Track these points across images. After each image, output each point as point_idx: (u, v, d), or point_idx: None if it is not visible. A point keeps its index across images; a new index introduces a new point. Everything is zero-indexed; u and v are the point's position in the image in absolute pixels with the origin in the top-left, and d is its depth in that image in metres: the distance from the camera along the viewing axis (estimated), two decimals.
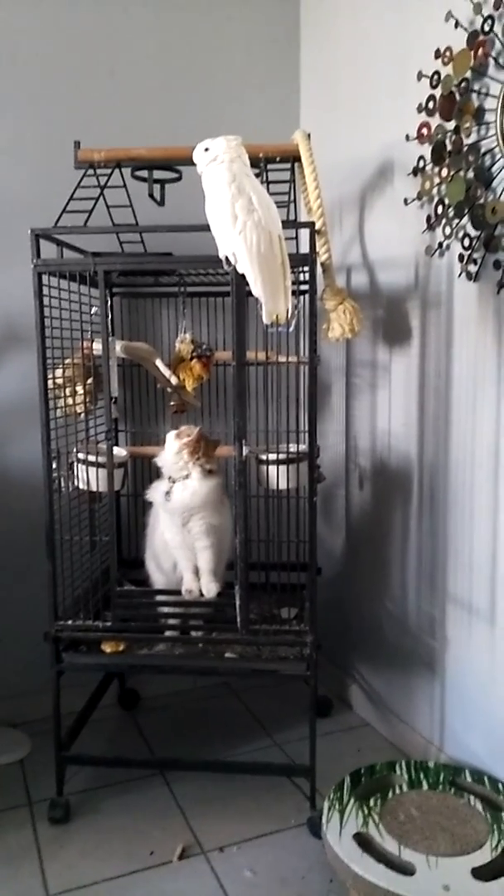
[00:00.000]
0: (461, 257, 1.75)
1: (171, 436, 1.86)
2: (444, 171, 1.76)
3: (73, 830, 1.81)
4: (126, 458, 2.01)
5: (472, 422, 1.79)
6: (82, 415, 1.88)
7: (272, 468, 1.87)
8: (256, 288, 1.50)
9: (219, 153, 1.51)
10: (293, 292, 1.56)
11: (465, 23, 1.66)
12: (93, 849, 1.75)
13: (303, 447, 1.84)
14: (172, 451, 1.84)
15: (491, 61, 1.61)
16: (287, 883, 1.64)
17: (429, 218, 1.86)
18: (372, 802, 1.62)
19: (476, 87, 1.66)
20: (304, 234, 1.75)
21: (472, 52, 1.63)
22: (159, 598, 1.97)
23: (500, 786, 1.68)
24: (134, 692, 2.41)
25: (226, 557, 1.92)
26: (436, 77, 1.76)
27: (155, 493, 1.90)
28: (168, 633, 1.91)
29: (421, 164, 1.86)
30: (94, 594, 1.89)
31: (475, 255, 1.71)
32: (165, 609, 1.95)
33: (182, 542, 1.88)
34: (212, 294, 2.21)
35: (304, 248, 1.72)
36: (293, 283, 1.57)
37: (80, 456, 1.86)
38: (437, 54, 1.73)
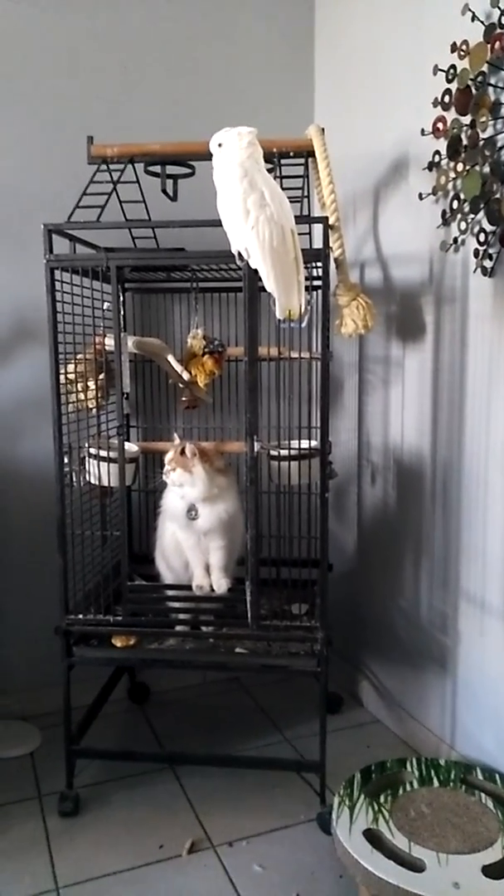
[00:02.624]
0: (476, 253, 1.74)
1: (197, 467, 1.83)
2: (460, 166, 1.75)
3: (83, 824, 1.82)
4: (138, 453, 2.01)
5: (487, 418, 1.78)
6: (94, 410, 1.88)
7: (284, 464, 1.87)
8: (269, 283, 1.50)
9: (231, 147, 1.50)
10: (306, 288, 1.56)
11: (481, 16, 1.64)
12: (102, 842, 1.75)
13: (315, 443, 1.84)
14: (202, 481, 1.81)
15: None
16: (296, 879, 1.64)
17: (444, 213, 1.85)
18: (382, 799, 1.61)
19: (492, 80, 1.64)
20: (318, 229, 1.74)
21: (489, 46, 1.61)
22: (170, 593, 1.97)
23: None
24: (144, 686, 2.41)
25: (237, 554, 1.92)
26: (452, 71, 1.74)
27: (171, 504, 1.89)
28: (179, 628, 1.91)
29: (436, 158, 1.84)
30: (105, 589, 1.89)
31: (490, 251, 1.70)
32: (176, 604, 1.96)
33: (196, 543, 1.88)
34: (224, 289, 2.21)
35: (318, 244, 1.71)
36: (306, 279, 1.56)
37: (92, 451, 1.86)
38: (453, 48, 1.72)
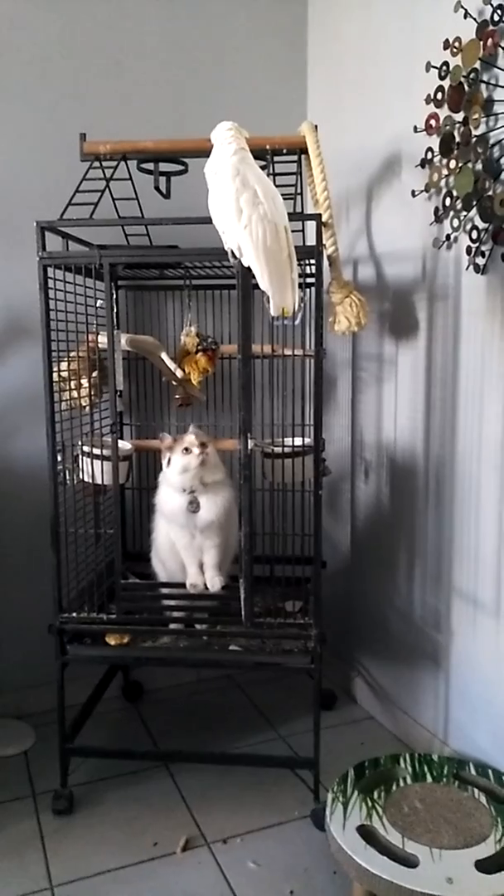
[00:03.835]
0: (469, 250, 1.74)
1: (177, 454, 1.82)
2: (453, 163, 1.75)
3: (77, 822, 1.82)
4: (131, 451, 2.01)
5: (479, 415, 1.78)
6: (87, 408, 1.87)
7: (277, 461, 1.87)
8: (263, 281, 1.49)
9: (221, 144, 1.49)
10: (299, 285, 1.56)
11: (474, 13, 1.64)
12: (96, 840, 1.75)
13: (308, 440, 1.84)
14: (191, 466, 1.80)
15: (500, 51, 1.60)
16: (291, 875, 1.64)
17: (436, 210, 1.85)
18: (376, 795, 1.62)
19: (485, 77, 1.64)
20: (311, 226, 1.74)
21: (482, 43, 1.62)
22: (164, 591, 1.97)
23: None
24: (138, 684, 2.41)
25: (232, 552, 1.92)
26: (444, 68, 1.75)
27: (168, 502, 1.86)
28: (172, 626, 1.91)
29: (429, 155, 1.85)
30: (99, 587, 1.89)
31: (483, 248, 1.70)
32: (170, 602, 1.96)
33: (190, 542, 1.88)
34: (217, 287, 2.20)
35: (311, 241, 1.71)
36: (299, 276, 1.56)
37: (85, 449, 1.86)
38: (446, 45, 1.72)
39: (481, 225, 1.69)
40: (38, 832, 1.79)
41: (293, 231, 1.54)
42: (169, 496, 1.86)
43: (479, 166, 1.67)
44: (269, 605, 1.86)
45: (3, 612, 2.25)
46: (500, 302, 1.69)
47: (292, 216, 1.56)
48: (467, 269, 1.76)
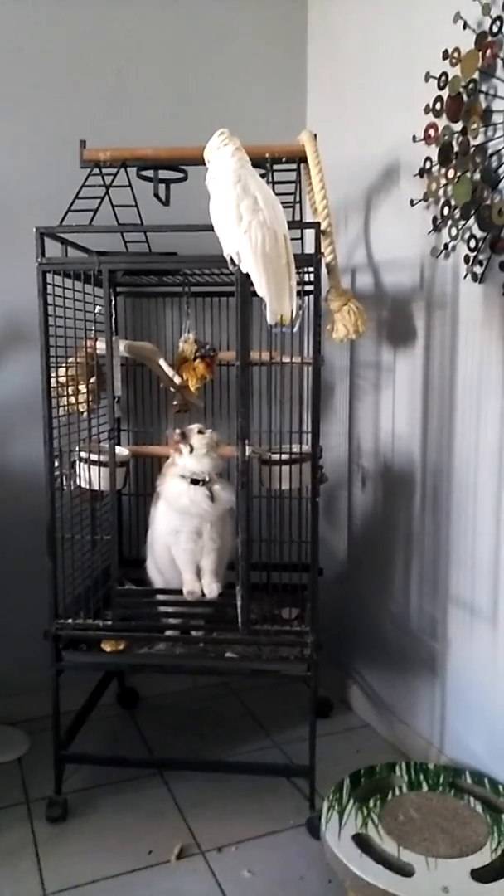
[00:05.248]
0: (467, 259, 1.75)
1: (197, 436, 1.87)
2: (451, 173, 1.76)
3: (71, 829, 1.81)
4: (128, 457, 2.01)
5: (476, 423, 1.78)
6: (85, 414, 1.87)
7: (275, 468, 1.87)
8: (261, 288, 1.50)
9: (218, 149, 1.50)
10: (298, 293, 1.56)
11: (473, 24, 1.65)
12: (90, 848, 1.74)
13: (306, 448, 1.84)
14: (205, 448, 1.85)
15: (499, 62, 1.61)
16: (285, 883, 1.63)
17: (435, 219, 1.86)
18: (371, 803, 1.61)
19: (484, 88, 1.65)
20: (310, 234, 1.75)
21: (480, 53, 1.63)
22: (160, 597, 1.97)
23: (501, 787, 1.68)
24: (133, 691, 2.40)
25: (228, 558, 1.92)
26: (443, 78, 1.76)
27: (185, 498, 1.84)
28: (168, 633, 1.90)
29: (427, 165, 1.86)
30: (95, 593, 1.89)
31: (481, 257, 1.71)
32: (166, 608, 1.95)
33: (193, 546, 1.87)
34: (216, 294, 2.21)
35: (310, 249, 1.72)
36: (298, 284, 1.57)
37: (83, 455, 1.86)
38: (445, 55, 1.73)
39: (479, 234, 1.70)
40: (31, 839, 1.78)
41: (292, 239, 1.54)
42: (185, 489, 1.84)
43: (477, 176, 1.68)
44: (265, 612, 1.86)
45: None
46: (497, 310, 1.69)
47: (291, 224, 1.57)
48: (465, 277, 1.77)
